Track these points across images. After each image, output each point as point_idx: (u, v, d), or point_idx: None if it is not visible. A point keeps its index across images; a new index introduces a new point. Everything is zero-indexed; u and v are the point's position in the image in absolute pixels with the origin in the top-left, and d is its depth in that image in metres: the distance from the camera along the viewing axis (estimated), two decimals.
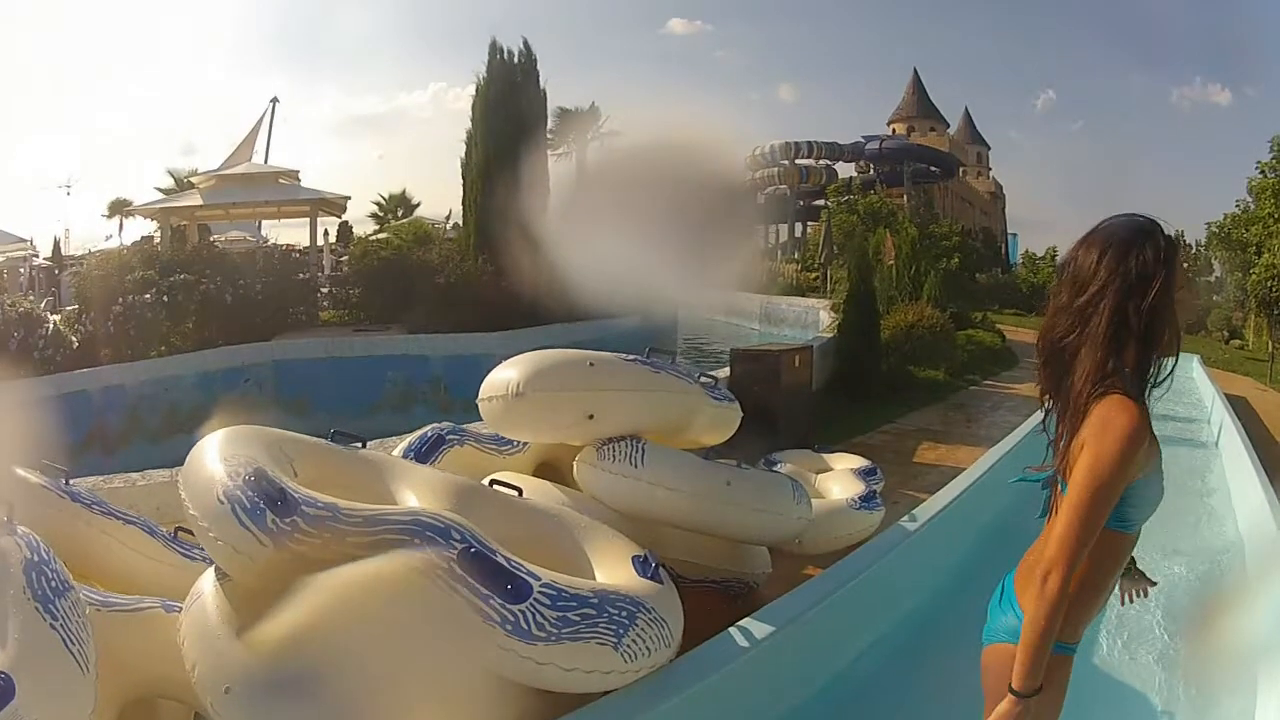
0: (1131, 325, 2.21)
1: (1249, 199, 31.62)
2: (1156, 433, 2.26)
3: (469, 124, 19.33)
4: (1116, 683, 4.47)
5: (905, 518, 5.65)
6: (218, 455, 3.10)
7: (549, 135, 22.33)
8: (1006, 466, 7.02)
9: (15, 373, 12.56)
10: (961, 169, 69.23)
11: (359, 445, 4.06)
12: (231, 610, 2.90)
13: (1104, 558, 2.28)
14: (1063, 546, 2.15)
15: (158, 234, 26.63)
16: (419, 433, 5.14)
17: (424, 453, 4.92)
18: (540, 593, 2.91)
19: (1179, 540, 6.48)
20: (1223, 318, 34.26)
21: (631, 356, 4.78)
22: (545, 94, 19.88)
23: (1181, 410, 13.10)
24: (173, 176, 41.58)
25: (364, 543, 2.85)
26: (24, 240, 34.41)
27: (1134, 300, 2.20)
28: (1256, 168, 29.45)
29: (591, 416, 4.50)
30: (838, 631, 4.42)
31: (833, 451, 7.73)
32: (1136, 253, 2.23)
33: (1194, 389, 14.99)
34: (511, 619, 2.81)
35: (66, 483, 4.01)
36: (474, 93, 19.40)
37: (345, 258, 25.24)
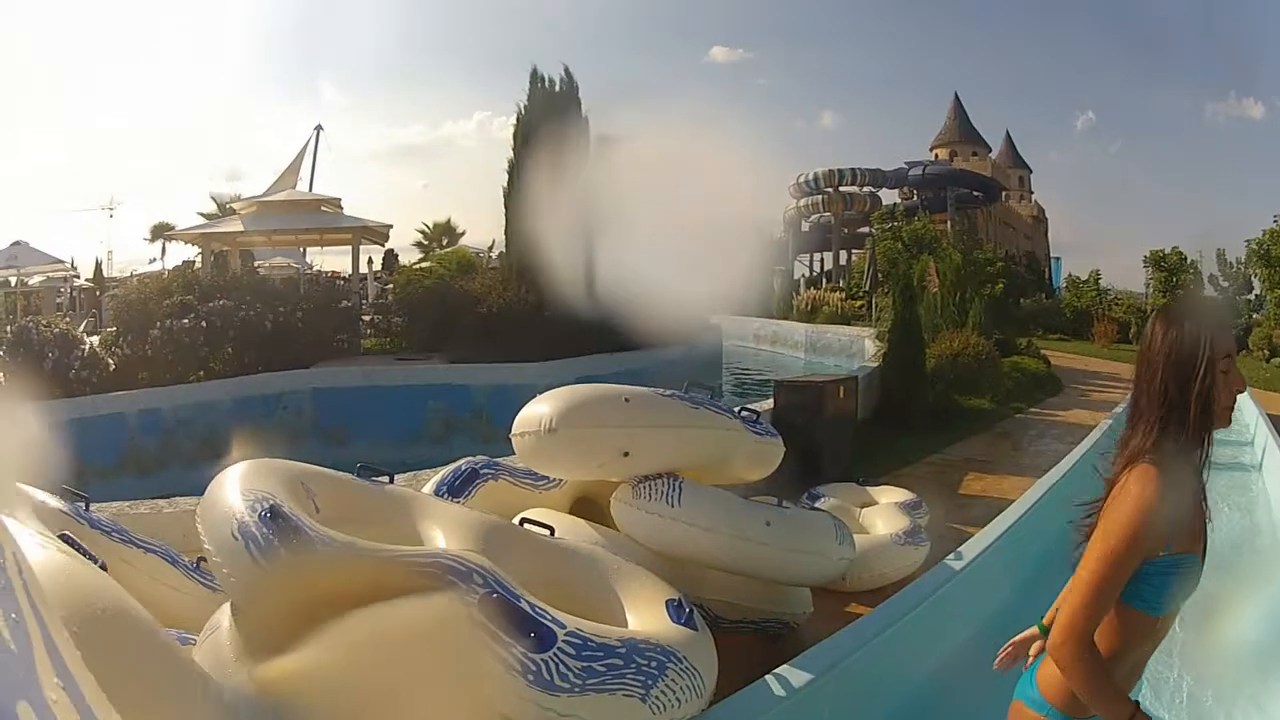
0: (1176, 406, 2.21)
1: None
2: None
3: (511, 153, 19.36)
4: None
5: (951, 555, 5.50)
6: (236, 489, 3.02)
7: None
8: (1053, 499, 6.87)
9: (50, 393, 12.64)
10: (1004, 193, 68.75)
11: (386, 480, 3.96)
12: (245, 647, 2.81)
13: (1127, 637, 2.23)
14: (1072, 616, 2.14)
15: (199, 259, 26.87)
16: (452, 467, 5.06)
17: (457, 487, 4.83)
18: (565, 641, 2.80)
19: (1221, 563, 6.31)
20: (1263, 336, 33.67)
21: (669, 391, 4.66)
22: (588, 121, 19.86)
23: (1224, 433, 12.85)
24: (215, 201, 42.00)
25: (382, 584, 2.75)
26: (62, 261, 35.01)
27: (1178, 382, 2.21)
28: None
29: (627, 454, 4.38)
30: (880, 679, 4.27)
31: (877, 484, 7.60)
32: (1177, 334, 2.24)
33: (1236, 411, 14.63)
34: (534, 668, 2.70)
35: (87, 508, 3.96)
36: (516, 121, 19.45)
37: (390, 285, 25.35)
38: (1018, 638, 2.69)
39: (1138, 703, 2.14)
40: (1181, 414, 2.19)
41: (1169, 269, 45.22)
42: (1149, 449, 2.20)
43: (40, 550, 1.83)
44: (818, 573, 4.79)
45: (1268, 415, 12.82)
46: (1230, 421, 2.30)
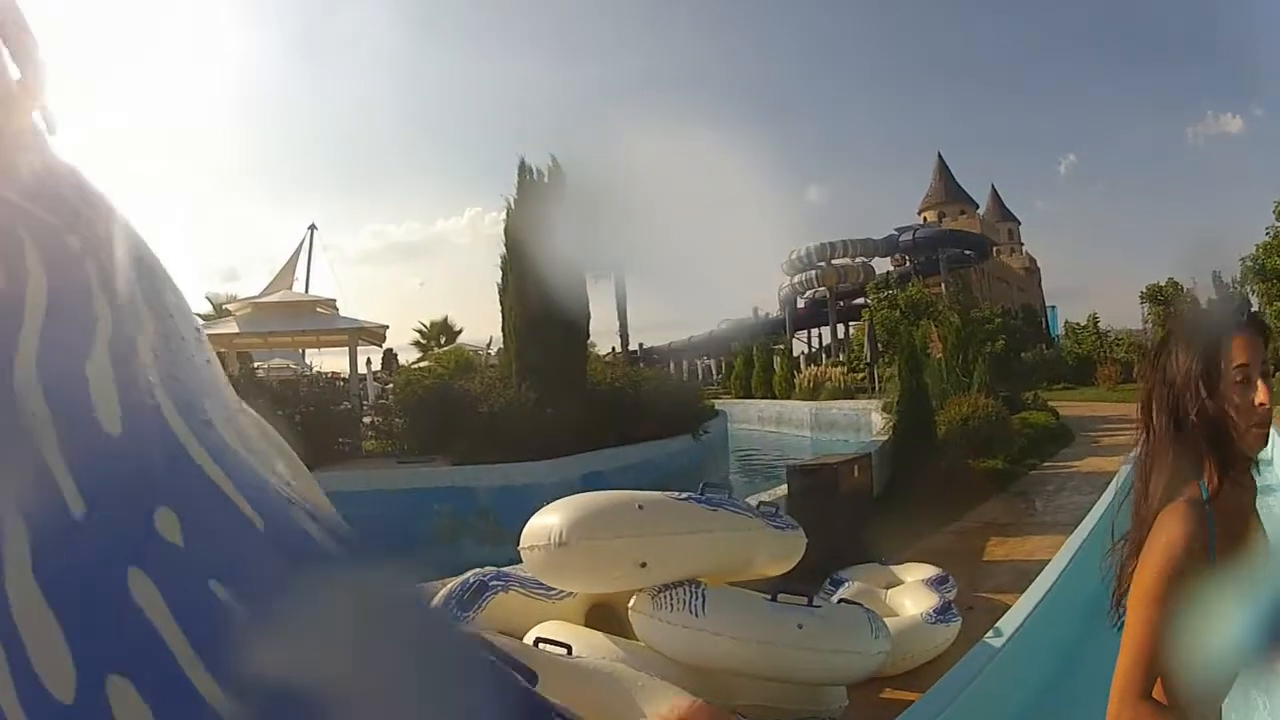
0: (1187, 430, 1.94)
1: (1279, 224, 31.34)
2: None
3: (504, 248, 19.18)
4: None
5: (990, 633, 5.30)
6: None
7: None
8: (1086, 556, 6.69)
9: None
10: (995, 248, 69.28)
11: None
12: None
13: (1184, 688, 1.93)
14: (1123, 679, 1.89)
15: None
16: (460, 579, 4.84)
17: (466, 601, 4.61)
18: None
19: None
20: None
21: (684, 495, 4.49)
22: (578, 209, 19.70)
23: None
24: (210, 302, 41.95)
25: None
26: None
27: (1181, 401, 1.94)
28: None
29: (644, 564, 4.18)
30: None
31: (901, 562, 7.42)
32: (1171, 348, 1.99)
33: None
34: None
35: None
36: (506, 215, 19.29)
37: (390, 385, 25.24)
38: None
39: None
40: (1196, 439, 1.93)
41: (1166, 301, 45.35)
42: (1173, 481, 1.96)
43: None
44: (855, 671, 4.61)
45: None
46: (1264, 441, 1.98)
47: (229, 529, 0.38)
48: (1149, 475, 2.02)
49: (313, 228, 44.79)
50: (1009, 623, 5.45)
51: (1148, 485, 2.01)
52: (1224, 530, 1.90)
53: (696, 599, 4.14)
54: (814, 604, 4.52)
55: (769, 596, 4.43)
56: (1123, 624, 2.04)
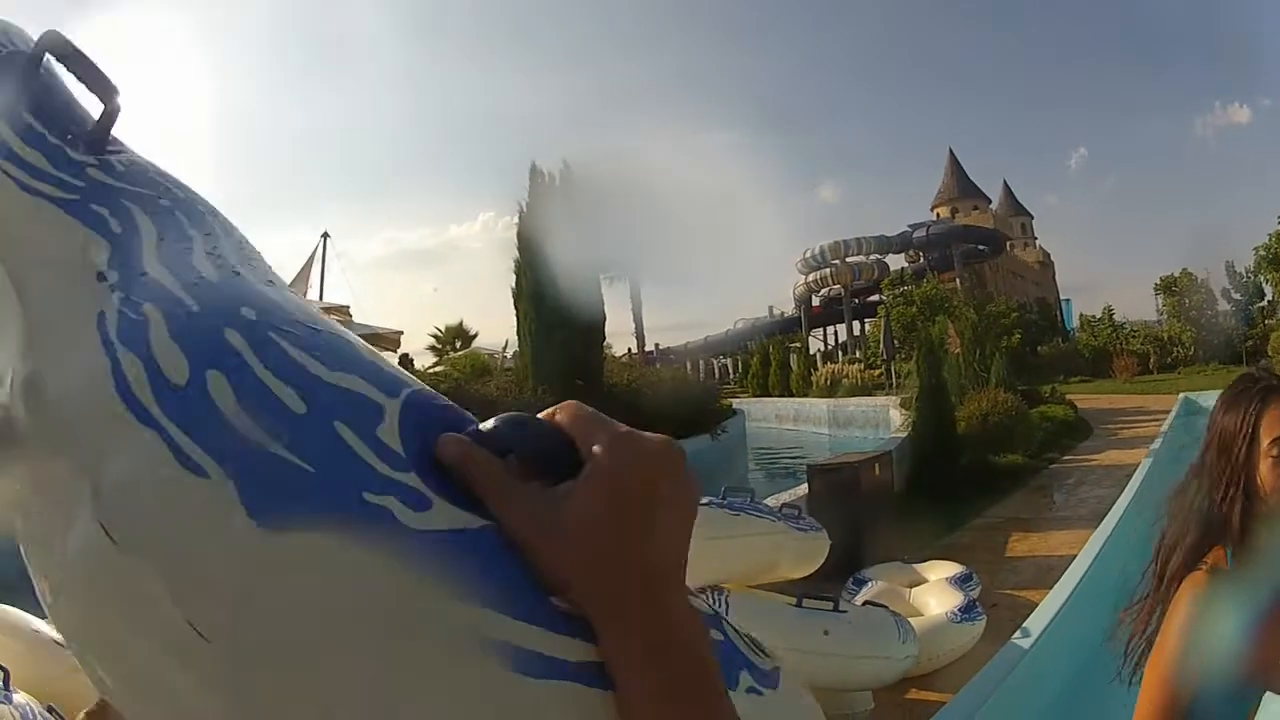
0: (1219, 500, 1.86)
1: None
2: None
3: (517, 252, 19.14)
4: None
5: (1017, 633, 5.24)
6: None
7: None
8: (1112, 551, 6.62)
9: None
10: (1008, 242, 69.06)
11: None
12: None
13: None
14: None
15: None
16: None
17: None
18: None
19: None
20: None
21: (706, 499, 4.43)
22: (590, 213, 19.68)
23: None
24: None
25: None
26: None
27: (1218, 470, 1.87)
28: None
29: None
30: None
31: (924, 560, 7.35)
32: (1220, 415, 1.91)
33: None
34: None
35: None
36: (519, 219, 19.27)
37: None
38: None
39: None
40: (1226, 509, 1.85)
41: (1180, 293, 45.19)
42: (1198, 546, 1.88)
43: None
44: (882, 676, 4.57)
45: None
46: None
47: (287, 321, 0.54)
48: (1175, 542, 1.95)
49: (326, 235, 44.88)
50: (1036, 621, 5.40)
51: (1169, 556, 1.94)
52: (1248, 597, 1.85)
53: (719, 606, 4.08)
54: (840, 609, 4.47)
55: (794, 601, 4.38)
56: (1121, 680, 2.00)
